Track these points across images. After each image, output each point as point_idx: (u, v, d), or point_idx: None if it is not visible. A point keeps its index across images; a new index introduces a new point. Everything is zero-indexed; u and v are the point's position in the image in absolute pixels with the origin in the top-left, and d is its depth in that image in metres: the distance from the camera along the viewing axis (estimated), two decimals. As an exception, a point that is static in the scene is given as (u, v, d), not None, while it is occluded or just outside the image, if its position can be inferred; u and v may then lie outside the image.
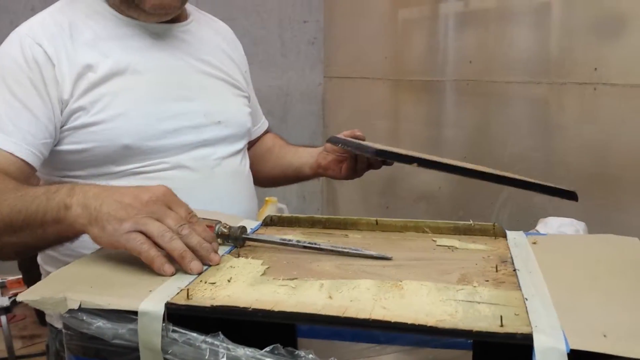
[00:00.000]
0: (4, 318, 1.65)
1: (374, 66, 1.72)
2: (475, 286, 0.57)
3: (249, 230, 0.76)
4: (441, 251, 0.70)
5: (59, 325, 0.92)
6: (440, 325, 0.48)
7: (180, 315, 0.53)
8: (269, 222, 0.85)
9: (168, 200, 0.66)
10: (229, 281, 0.60)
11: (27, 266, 1.75)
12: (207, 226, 0.74)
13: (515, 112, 1.56)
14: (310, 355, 0.50)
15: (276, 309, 0.52)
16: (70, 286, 0.58)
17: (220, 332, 0.52)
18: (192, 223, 0.66)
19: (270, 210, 1.94)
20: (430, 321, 0.49)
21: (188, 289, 0.56)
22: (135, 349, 0.53)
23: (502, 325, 0.48)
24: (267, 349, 0.50)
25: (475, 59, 1.68)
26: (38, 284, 0.61)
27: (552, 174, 1.43)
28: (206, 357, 0.51)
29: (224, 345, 0.51)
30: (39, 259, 0.98)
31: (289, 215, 0.86)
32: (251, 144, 1.17)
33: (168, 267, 0.61)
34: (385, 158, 0.91)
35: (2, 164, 0.82)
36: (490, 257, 0.67)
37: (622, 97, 1.27)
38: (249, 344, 0.51)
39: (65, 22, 0.89)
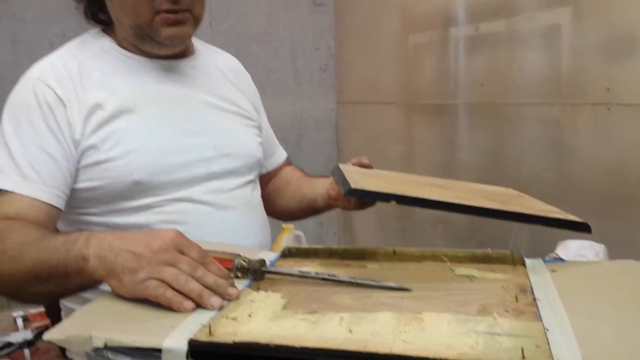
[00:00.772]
0: (27, 351, 1.66)
1: (386, 91, 1.74)
2: (495, 317, 0.57)
3: (267, 263, 0.77)
4: (460, 281, 0.70)
5: None
6: (462, 358, 0.49)
7: (203, 352, 0.54)
8: (287, 253, 0.85)
9: (179, 244, 0.66)
10: (249, 316, 0.60)
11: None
12: (225, 260, 0.75)
13: (528, 133, 1.56)
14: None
15: (297, 345, 0.53)
16: (95, 324, 0.59)
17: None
18: (206, 264, 0.67)
19: (287, 237, 1.94)
20: (451, 355, 0.49)
21: (210, 325, 0.57)
22: (159, 386, 0.54)
23: (523, 358, 0.48)
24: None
25: (487, 81, 1.68)
26: (63, 322, 0.62)
27: (568, 195, 1.42)
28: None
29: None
30: None
31: (307, 246, 0.86)
32: (270, 177, 1.19)
33: (188, 304, 0.62)
34: (355, 197, 0.86)
35: (27, 211, 0.83)
36: (509, 286, 0.67)
37: (636, 116, 1.27)
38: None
39: (75, 63, 0.92)
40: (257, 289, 0.69)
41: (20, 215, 0.82)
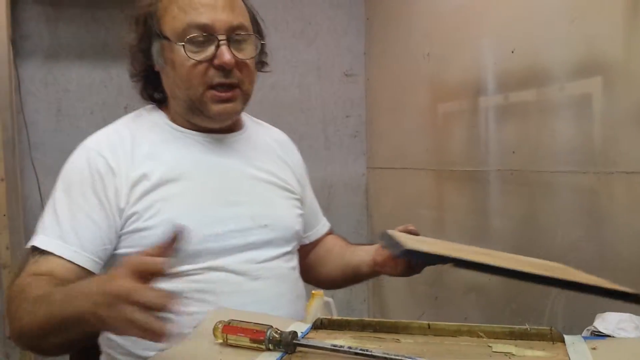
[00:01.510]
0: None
1: (416, 157, 1.76)
2: (536, 399, 0.55)
3: (299, 335, 0.76)
4: (497, 358, 0.68)
5: None
6: None
7: None
8: (319, 325, 0.85)
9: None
10: (282, 392, 0.59)
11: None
12: (257, 331, 0.74)
13: (562, 201, 1.54)
14: None
15: None
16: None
17: None
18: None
19: (316, 303, 1.92)
20: None
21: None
22: None
23: None
24: None
25: (518, 149, 1.69)
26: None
27: (605, 264, 1.39)
28: None
29: None
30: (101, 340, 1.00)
31: (339, 318, 0.85)
32: (312, 246, 1.21)
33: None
34: (411, 258, 0.87)
35: (58, 270, 0.87)
36: (549, 365, 0.65)
37: (672, 184, 1.25)
38: None
39: (128, 136, 0.98)
40: (290, 362, 0.69)
41: (52, 273, 0.86)
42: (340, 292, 2.49)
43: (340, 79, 2.61)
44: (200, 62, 0.93)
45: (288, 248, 1.04)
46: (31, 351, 0.91)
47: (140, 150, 0.96)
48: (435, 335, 0.78)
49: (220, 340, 0.76)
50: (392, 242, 0.89)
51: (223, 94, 0.95)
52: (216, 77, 0.94)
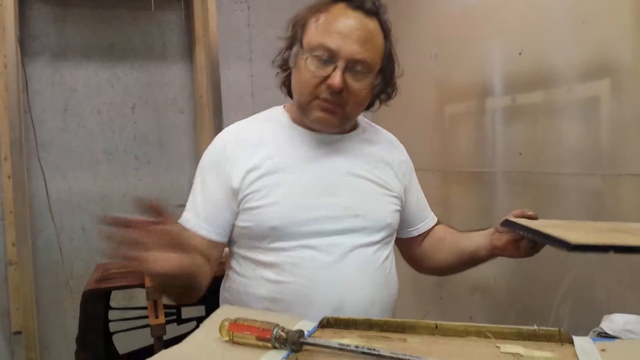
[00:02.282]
0: None
1: (423, 158, 1.76)
2: (544, 400, 0.55)
3: (305, 333, 0.76)
4: (505, 359, 0.68)
5: None
6: None
7: None
8: (326, 323, 0.84)
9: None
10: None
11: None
12: (264, 329, 0.74)
13: (569, 203, 1.53)
14: None
15: None
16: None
17: None
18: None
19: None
20: None
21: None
22: None
23: None
24: None
25: (525, 151, 1.68)
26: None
27: (612, 267, 1.38)
28: None
29: None
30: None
31: (346, 317, 0.85)
32: (423, 237, 1.32)
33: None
34: (583, 252, 0.92)
35: (200, 242, 1.08)
36: (557, 366, 0.64)
37: (680, 187, 1.24)
38: None
39: (257, 130, 1.16)
40: (296, 360, 0.69)
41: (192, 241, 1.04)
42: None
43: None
44: (316, 77, 1.06)
45: (377, 237, 1.13)
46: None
47: (262, 142, 1.13)
48: (442, 335, 0.78)
49: (227, 338, 0.76)
50: (533, 232, 0.96)
51: (325, 105, 1.08)
52: (324, 93, 1.06)
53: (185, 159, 2.63)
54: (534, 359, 0.68)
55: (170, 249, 0.84)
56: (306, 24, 1.12)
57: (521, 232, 1.02)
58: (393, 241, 1.22)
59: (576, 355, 0.67)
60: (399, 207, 1.22)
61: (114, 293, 1.90)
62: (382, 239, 1.15)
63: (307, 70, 1.07)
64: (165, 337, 1.59)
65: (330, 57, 1.05)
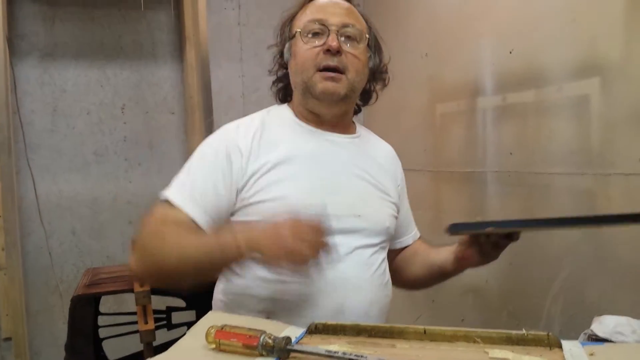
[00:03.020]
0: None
1: (414, 158, 1.77)
2: (532, 408, 0.54)
3: (293, 340, 0.75)
4: (493, 364, 0.68)
5: None
6: None
7: None
8: (314, 329, 0.84)
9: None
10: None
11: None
12: (250, 336, 0.74)
13: (560, 203, 1.53)
14: None
15: None
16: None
17: None
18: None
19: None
20: None
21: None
22: None
23: None
24: None
25: (516, 150, 1.68)
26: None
27: (602, 267, 1.38)
28: None
29: None
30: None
31: (334, 323, 0.84)
32: (400, 250, 1.33)
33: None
34: (457, 232, 0.92)
35: (182, 223, 1.04)
36: (546, 371, 0.64)
37: (671, 187, 1.24)
38: None
39: (260, 125, 1.15)
40: (283, 369, 0.68)
41: (178, 224, 1.03)
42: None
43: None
44: (314, 47, 1.10)
45: (375, 240, 1.14)
46: (156, 285, 1.15)
47: (265, 138, 1.13)
48: (431, 340, 0.77)
49: (214, 346, 0.75)
50: (470, 226, 0.98)
51: (328, 73, 1.10)
52: (324, 60, 1.09)
53: (176, 160, 2.61)
54: (522, 364, 0.67)
55: None
56: (292, 21, 1.18)
57: (462, 231, 1.02)
58: (387, 247, 1.23)
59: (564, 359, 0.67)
60: (395, 214, 1.23)
61: (104, 298, 1.88)
62: (380, 243, 1.16)
63: (302, 46, 1.12)
64: (155, 343, 1.58)
65: (321, 27, 1.11)
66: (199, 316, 0.98)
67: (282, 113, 1.21)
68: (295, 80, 1.17)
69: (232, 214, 1.10)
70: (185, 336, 0.81)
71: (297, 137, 1.16)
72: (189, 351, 0.76)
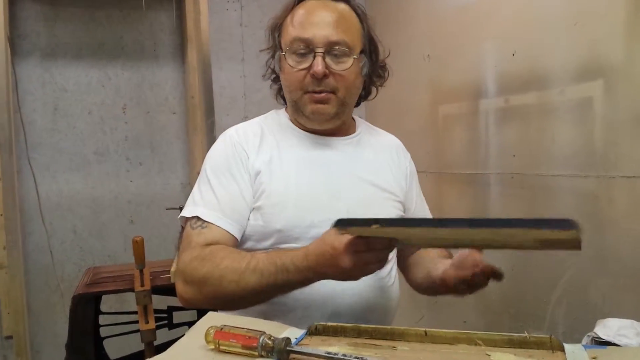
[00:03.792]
0: None
1: (416, 160, 1.74)
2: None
3: (293, 341, 0.75)
4: (495, 367, 0.67)
5: None
6: None
7: None
8: (314, 330, 0.83)
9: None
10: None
11: None
12: (250, 337, 0.73)
13: (563, 205, 1.52)
14: None
15: None
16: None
17: None
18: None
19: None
20: None
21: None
22: None
23: None
24: None
25: (519, 152, 1.67)
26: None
27: (605, 269, 1.37)
28: None
29: None
30: None
31: (335, 324, 0.84)
32: (411, 251, 1.29)
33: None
34: (341, 226, 0.88)
35: (221, 239, 1.04)
36: (548, 375, 0.63)
37: (674, 189, 1.23)
38: None
39: (259, 130, 1.15)
40: (283, 370, 0.67)
41: (218, 242, 1.03)
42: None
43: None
44: (300, 70, 1.07)
45: None
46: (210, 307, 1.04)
47: (265, 143, 1.13)
48: (432, 342, 0.76)
49: (213, 346, 0.74)
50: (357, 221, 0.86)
51: (316, 96, 1.08)
52: (311, 85, 1.07)
53: (177, 160, 2.61)
54: (524, 367, 0.66)
55: None
56: (281, 27, 1.14)
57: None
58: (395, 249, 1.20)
59: (567, 364, 0.66)
60: (402, 212, 1.20)
61: (105, 297, 1.88)
62: None
63: (289, 67, 1.08)
64: (157, 342, 1.57)
65: (306, 47, 1.06)
66: (200, 316, 0.97)
67: (280, 119, 1.19)
68: (286, 95, 1.16)
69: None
70: (184, 336, 0.80)
71: (295, 142, 1.14)
72: (187, 351, 0.75)
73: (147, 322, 1.53)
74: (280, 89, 1.22)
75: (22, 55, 2.41)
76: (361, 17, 1.14)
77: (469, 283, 1.02)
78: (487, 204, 1.84)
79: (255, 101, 2.65)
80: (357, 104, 1.25)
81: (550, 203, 1.55)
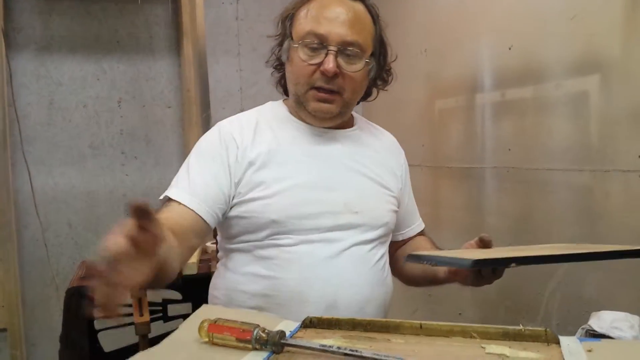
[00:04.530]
0: None
1: (412, 153, 1.75)
2: (529, 404, 0.53)
3: (287, 334, 0.75)
4: (491, 359, 0.67)
5: None
6: None
7: None
8: (309, 323, 0.83)
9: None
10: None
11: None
12: (244, 330, 0.73)
13: (558, 199, 1.52)
14: None
15: None
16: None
17: None
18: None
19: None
20: None
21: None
22: None
23: None
24: None
25: (515, 146, 1.67)
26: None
27: (600, 262, 1.37)
28: None
29: None
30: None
31: (329, 317, 0.84)
32: (403, 243, 1.31)
33: None
34: (480, 267, 0.91)
35: (177, 216, 1.01)
36: (543, 367, 0.63)
37: (669, 184, 1.23)
38: None
39: (254, 121, 1.14)
40: (277, 362, 0.67)
41: (168, 218, 0.98)
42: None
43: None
44: (310, 64, 1.06)
45: (374, 236, 1.12)
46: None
47: (261, 134, 1.11)
48: (427, 335, 0.76)
49: (206, 339, 0.74)
50: (437, 259, 0.92)
51: (322, 94, 1.07)
52: (319, 81, 1.06)
53: (173, 154, 2.60)
54: (519, 359, 0.66)
55: (144, 256, 0.68)
56: (294, 17, 1.12)
57: (426, 263, 0.96)
58: (388, 241, 1.21)
59: (562, 356, 0.66)
60: (396, 208, 1.21)
61: (99, 290, 1.86)
62: (378, 238, 1.14)
63: (299, 60, 1.07)
64: (151, 335, 1.57)
65: (320, 43, 1.05)
66: (195, 308, 0.96)
67: (277, 110, 1.19)
68: (289, 86, 1.14)
69: (230, 208, 1.09)
70: (178, 329, 0.80)
71: (293, 134, 1.13)
72: (181, 345, 0.75)
73: (141, 315, 1.52)
74: (281, 78, 1.20)
75: (17, 49, 2.40)
76: (375, 19, 1.14)
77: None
78: (483, 197, 1.84)
79: (251, 95, 2.64)
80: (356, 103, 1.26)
81: (546, 197, 1.55)
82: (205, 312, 0.82)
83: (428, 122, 2.14)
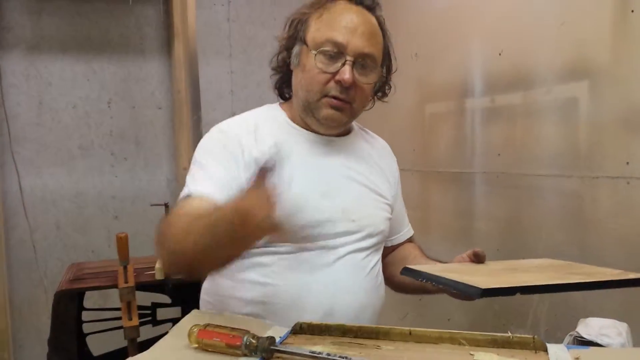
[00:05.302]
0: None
1: (402, 158, 1.76)
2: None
3: (277, 340, 0.75)
4: (478, 367, 0.67)
5: None
6: None
7: None
8: (299, 329, 0.83)
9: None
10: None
11: None
12: (234, 336, 0.73)
13: (547, 205, 1.53)
14: None
15: None
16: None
17: None
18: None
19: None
20: None
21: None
22: None
23: None
24: None
25: (504, 152, 1.68)
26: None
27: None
28: None
29: None
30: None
31: (319, 323, 0.84)
32: (391, 250, 1.30)
33: None
34: (491, 296, 0.91)
35: (198, 204, 0.97)
36: (530, 375, 0.64)
37: (657, 190, 1.25)
38: None
39: (253, 123, 1.11)
40: (266, 369, 0.67)
41: (192, 206, 0.96)
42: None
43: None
44: (325, 72, 1.05)
45: (368, 244, 1.12)
46: (184, 276, 1.06)
47: (259, 137, 1.09)
48: (416, 342, 0.77)
49: (196, 345, 0.74)
50: (438, 279, 0.91)
51: (335, 102, 1.06)
52: (333, 90, 1.05)
53: (163, 155, 2.59)
54: (507, 367, 0.67)
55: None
56: (308, 21, 1.10)
57: (423, 280, 0.95)
58: (382, 248, 1.20)
59: (550, 364, 0.66)
60: (390, 215, 1.21)
61: (88, 293, 1.86)
62: (374, 245, 1.14)
63: (315, 67, 1.05)
64: (140, 339, 1.56)
65: (338, 52, 1.04)
66: (184, 312, 0.95)
67: (275, 114, 1.16)
68: (298, 92, 1.11)
69: None
70: (167, 335, 0.79)
71: (290, 140, 1.12)
72: (171, 350, 0.75)
73: (130, 319, 1.51)
74: (283, 81, 1.18)
75: (7, 48, 2.38)
76: (385, 33, 1.14)
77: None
78: (472, 202, 1.85)
79: (242, 97, 2.64)
80: None
81: (535, 202, 1.56)
82: (195, 318, 0.82)
83: (418, 127, 2.15)
